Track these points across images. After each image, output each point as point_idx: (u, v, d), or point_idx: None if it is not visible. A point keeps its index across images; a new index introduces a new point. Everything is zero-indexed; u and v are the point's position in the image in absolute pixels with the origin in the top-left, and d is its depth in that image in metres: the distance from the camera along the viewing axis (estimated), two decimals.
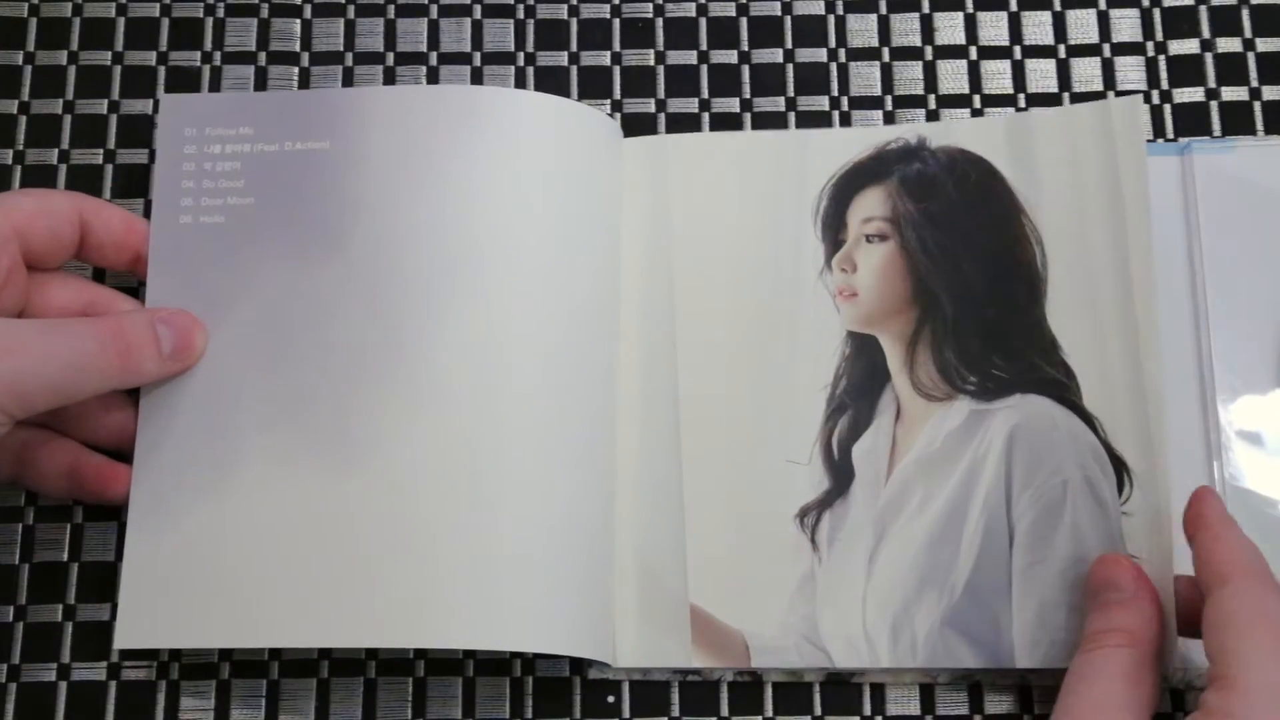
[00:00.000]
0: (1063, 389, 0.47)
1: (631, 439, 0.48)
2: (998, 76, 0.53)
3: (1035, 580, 0.45)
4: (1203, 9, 0.53)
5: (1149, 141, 0.51)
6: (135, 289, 0.49)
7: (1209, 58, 0.53)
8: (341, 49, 0.53)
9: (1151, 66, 0.53)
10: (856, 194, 0.50)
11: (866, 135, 0.51)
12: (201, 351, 0.46)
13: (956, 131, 0.50)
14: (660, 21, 0.54)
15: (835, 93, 0.53)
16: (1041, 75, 0.53)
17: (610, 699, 0.47)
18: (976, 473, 0.47)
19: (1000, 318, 0.48)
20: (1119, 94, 0.52)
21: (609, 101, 0.53)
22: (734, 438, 0.48)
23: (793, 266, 0.50)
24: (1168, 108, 0.52)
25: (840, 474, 0.48)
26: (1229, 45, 0.53)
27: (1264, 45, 0.53)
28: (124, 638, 0.45)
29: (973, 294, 0.48)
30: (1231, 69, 0.53)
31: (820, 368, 0.49)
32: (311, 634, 0.44)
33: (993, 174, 0.49)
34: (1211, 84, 0.53)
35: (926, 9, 0.54)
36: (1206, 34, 0.53)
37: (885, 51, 0.53)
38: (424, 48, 0.54)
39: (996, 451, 0.47)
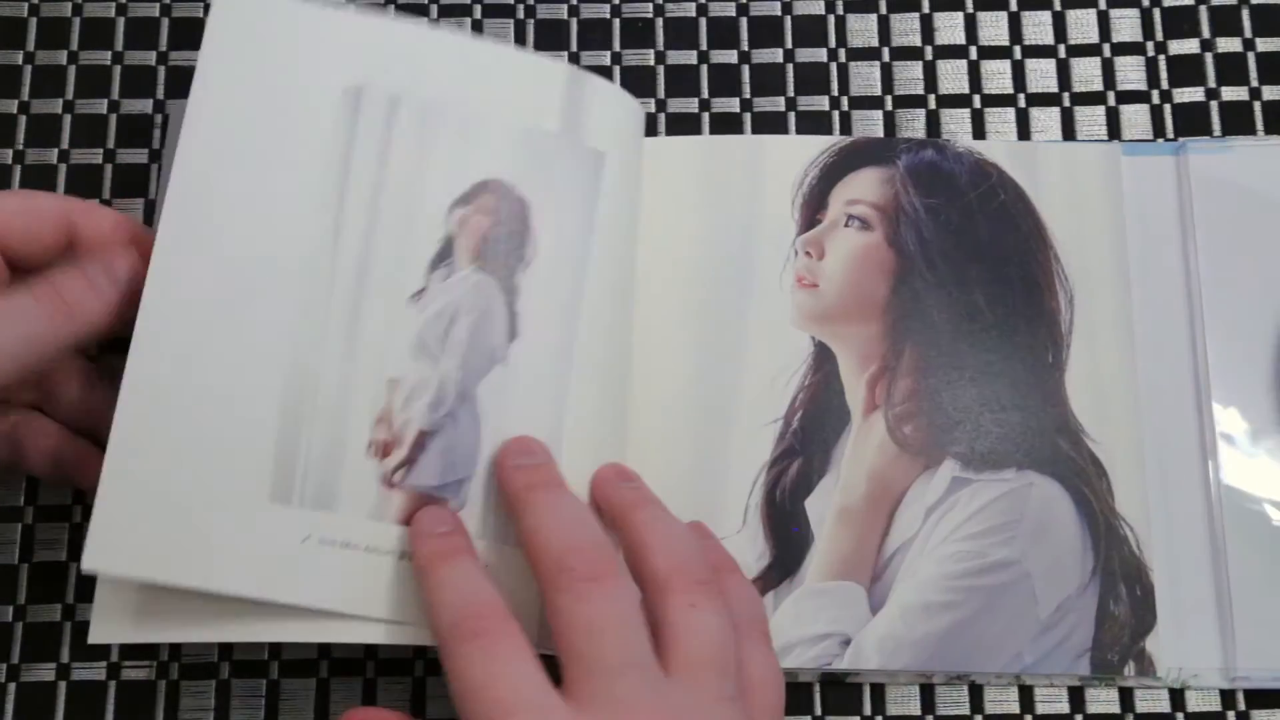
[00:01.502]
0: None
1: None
2: (998, 76, 0.53)
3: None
4: (1203, 9, 0.53)
5: (1147, 141, 0.52)
6: None
7: (1209, 58, 0.53)
8: None
9: (1151, 66, 0.53)
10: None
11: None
12: (136, 262, 0.43)
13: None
14: (660, 21, 0.54)
15: (835, 93, 0.53)
16: (1041, 75, 0.53)
17: None
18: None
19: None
20: (1118, 95, 0.52)
21: None
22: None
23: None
24: (1167, 108, 0.52)
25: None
26: (1229, 45, 0.53)
27: (1264, 45, 0.53)
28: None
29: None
30: (1231, 69, 0.53)
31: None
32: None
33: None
34: (1211, 84, 0.53)
35: (926, 9, 0.54)
36: (1206, 34, 0.53)
37: (885, 51, 0.53)
38: None
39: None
